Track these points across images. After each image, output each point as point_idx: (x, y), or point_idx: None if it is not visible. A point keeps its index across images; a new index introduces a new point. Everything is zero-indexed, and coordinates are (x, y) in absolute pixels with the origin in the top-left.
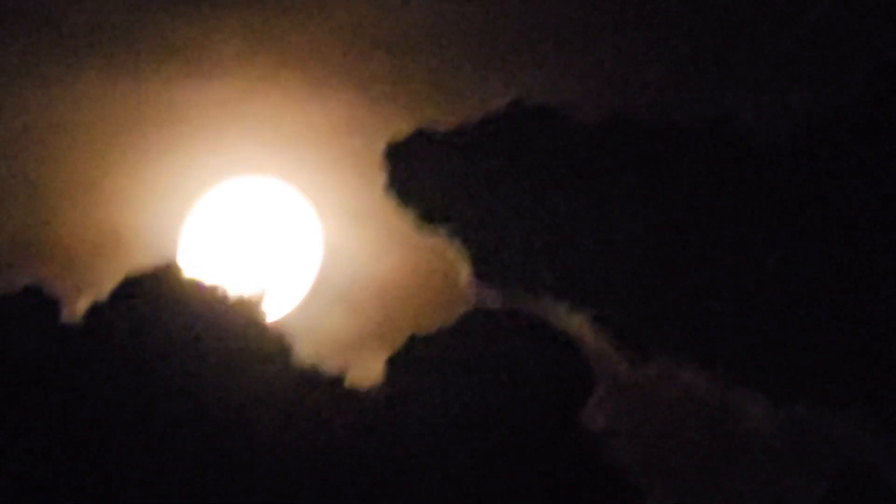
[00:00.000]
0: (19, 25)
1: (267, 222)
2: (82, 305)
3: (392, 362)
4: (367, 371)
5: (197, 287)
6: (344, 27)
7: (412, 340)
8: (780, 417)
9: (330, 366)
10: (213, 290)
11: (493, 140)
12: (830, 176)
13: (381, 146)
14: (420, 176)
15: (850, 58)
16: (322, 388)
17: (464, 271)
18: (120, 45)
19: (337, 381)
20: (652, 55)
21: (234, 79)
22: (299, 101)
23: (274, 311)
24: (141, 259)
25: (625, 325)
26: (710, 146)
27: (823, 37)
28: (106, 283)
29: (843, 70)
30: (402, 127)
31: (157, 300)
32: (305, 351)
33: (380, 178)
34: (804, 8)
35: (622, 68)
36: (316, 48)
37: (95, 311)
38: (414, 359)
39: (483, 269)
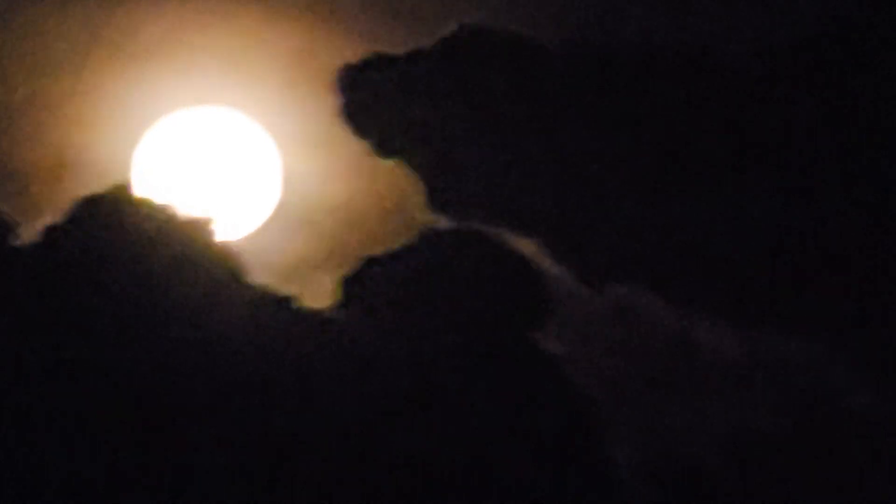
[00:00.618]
0: None
1: (223, 149)
2: (34, 228)
3: (345, 283)
4: (322, 293)
5: (148, 209)
6: None
7: (365, 261)
8: (742, 344)
9: (284, 288)
10: (163, 211)
11: (448, 66)
12: (796, 104)
13: (331, 71)
14: (373, 103)
15: None
16: (273, 308)
17: (417, 197)
18: None
19: (288, 302)
20: None
21: (186, 5)
22: (252, 28)
23: (228, 234)
24: (94, 183)
25: (583, 252)
26: (671, 71)
27: None
28: (58, 207)
29: None
30: (350, 50)
31: (109, 222)
32: (260, 273)
33: (332, 103)
34: None
35: None
36: None
37: (49, 233)
38: (367, 279)
39: (437, 195)
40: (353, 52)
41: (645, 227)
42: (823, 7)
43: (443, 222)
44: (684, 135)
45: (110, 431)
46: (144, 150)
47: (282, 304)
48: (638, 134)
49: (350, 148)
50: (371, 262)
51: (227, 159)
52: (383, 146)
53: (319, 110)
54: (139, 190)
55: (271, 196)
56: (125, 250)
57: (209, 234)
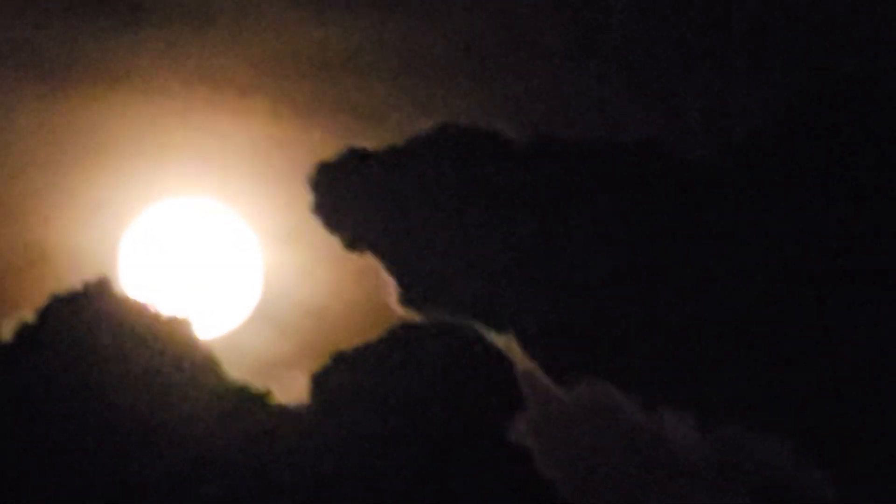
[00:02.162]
0: None
1: (206, 242)
2: (8, 326)
3: (317, 379)
4: (296, 389)
5: (127, 305)
6: (264, 47)
7: (337, 357)
8: (706, 439)
9: (258, 384)
10: (143, 308)
11: (420, 162)
12: (761, 191)
13: (306, 165)
14: (347, 199)
15: (789, 62)
16: (249, 405)
17: (391, 292)
18: (43, 65)
19: (263, 399)
20: (581, 71)
21: (157, 98)
22: (221, 120)
23: (208, 331)
24: (75, 278)
25: (552, 347)
26: (635, 163)
27: (764, 40)
28: (36, 303)
29: (785, 74)
30: (326, 145)
31: (86, 318)
32: (237, 369)
33: (307, 197)
34: (741, 14)
35: (549, 88)
36: (236, 67)
37: (21, 331)
38: (339, 374)
39: (410, 290)
40: (328, 148)
41: (616, 322)
42: (785, 85)
43: (415, 317)
44: (653, 228)
45: None
46: (128, 243)
47: (257, 401)
48: (609, 229)
49: (324, 242)
50: (341, 358)
51: (210, 253)
52: (356, 241)
53: (292, 203)
54: (124, 283)
55: (251, 294)
56: (102, 348)
57: (189, 331)
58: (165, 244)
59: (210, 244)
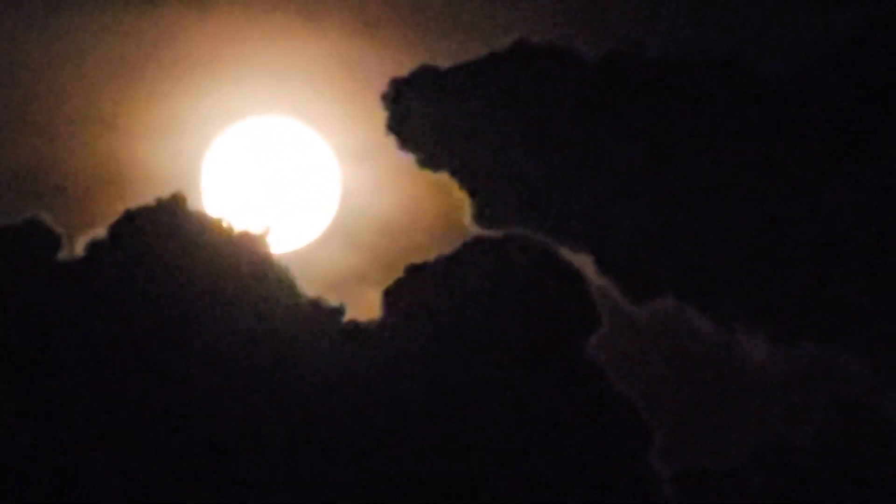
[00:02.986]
0: None
1: (285, 160)
2: (85, 241)
3: (389, 294)
4: (369, 305)
5: (201, 221)
6: None
7: (410, 271)
8: (780, 355)
9: (331, 299)
10: (217, 224)
11: (496, 78)
12: (833, 114)
13: (382, 82)
14: (422, 116)
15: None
16: (322, 319)
17: (466, 209)
18: None
19: (336, 314)
20: None
21: (236, 18)
22: (299, 38)
23: (283, 245)
24: (156, 194)
25: (627, 264)
26: (715, 82)
27: None
28: (113, 219)
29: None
30: (400, 62)
31: (158, 234)
32: (310, 285)
33: (381, 114)
34: None
35: (624, 4)
36: None
37: (94, 246)
38: (411, 289)
39: (485, 207)
40: (401, 64)
41: (690, 240)
42: (854, 18)
43: (489, 234)
44: (727, 147)
45: (154, 443)
46: (208, 162)
47: (329, 316)
48: (685, 147)
49: (399, 159)
50: (414, 271)
51: (288, 170)
52: (431, 158)
53: (367, 120)
54: (204, 200)
55: (327, 211)
56: (174, 263)
57: (262, 246)
58: (244, 162)
59: (288, 162)
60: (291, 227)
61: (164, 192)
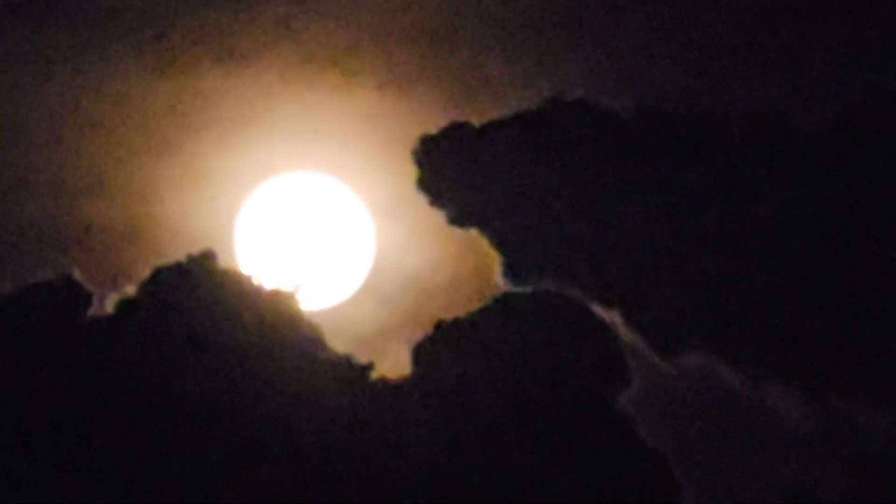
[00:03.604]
0: (57, 18)
1: (322, 217)
2: (116, 296)
3: (419, 349)
4: (399, 361)
5: (231, 279)
6: (370, 21)
7: (438, 327)
8: (811, 410)
9: (361, 356)
10: (247, 281)
11: (527, 135)
12: (862, 169)
13: (412, 138)
14: (452, 173)
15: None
16: (351, 377)
17: (495, 264)
18: (160, 41)
19: (365, 370)
20: (687, 46)
21: (263, 73)
22: (329, 95)
23: (317, 302)
24: (184, 252)
25: (656, 320)
26: (747, 137)
27: (857, 31)
28: (144, 275)
29: (873, 66)
30: (431, 119)
31: (188, 292)
32: (340, 342)
33: (411, 170)
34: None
35: (657, 60)
36: (343, 40)
37: (124, 303)
38: (440, 345)
39: (515, 263)
40: (433, 121)
41: (721, 296)
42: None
43: (519, 290)
44: (758, 202)
45: (183, 500)
46: (243, 218)
47: (358, 372)
48: (716, 204)
49: (429, 215)
50: (443, 327)
51: (323, 227)
52: (460, 215)
53: (396, 176)
54: (238, 257)
55: (361, 269)
56: (203, 320)
57: (293, 304)
58: (278, 218)
59: (322, 217)
60: (325, 284)
61: (197, 249)
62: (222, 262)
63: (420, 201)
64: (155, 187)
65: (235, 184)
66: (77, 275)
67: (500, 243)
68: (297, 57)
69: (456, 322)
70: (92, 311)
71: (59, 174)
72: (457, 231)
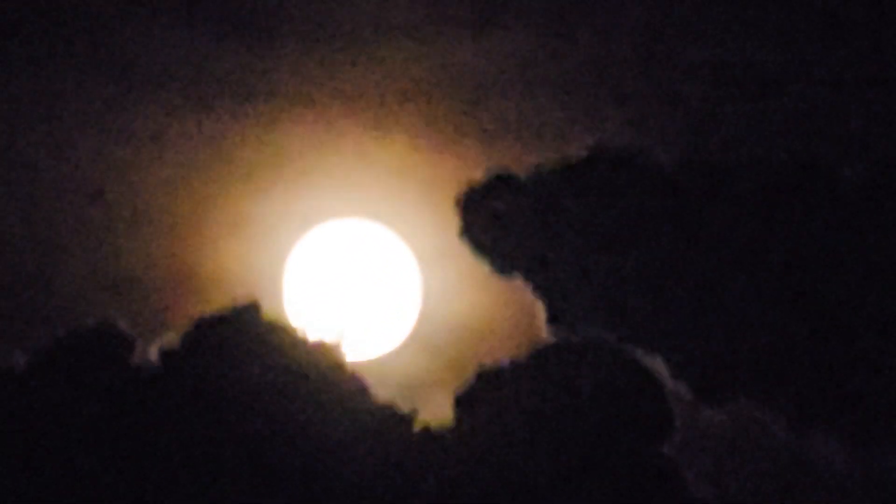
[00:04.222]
0: (101, 68)
1: (368, 266)
2: (158, 345)
3: (460, 399)
4: (443, 411)
5: (275, 329)
6: (413, 66)
7: (480, 374)
8: (856, 460)
9: (404, 405)
10: (291, 331)
11: (569, 185)
12: None
13: (452, 188)
14: (494, 223)
15: None
16: (394, 426)
17: (539, 313)
18: (202, 87)
19: (408, 420)
20: (731, 95)
21: (305, 120)
22: (371, 142)
23: (363, 353)
24: (229, 301)
25: (703, 368)
26: (793, 187)
27: None
28: (188, 324)
29: None
30: (473, 168)
31: (231, 342)
32: (383, 391)
33: (452, 219)
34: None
35: (700, 110)
36: (385, 87)
37: (166, 352)
38: (482, 392)
39: (558, 311)
40: (476, 170)
41: (764, 343)
42: None
43: (562, 339)
44: (804, 253)
45: None
46: (291, 265)
47: (401, 421)
48: (761, 251)
49: (472, 264)
50: (486, 376)
51: (371, 275)
52: (504, 265)
53: (438, 224)
54: (287, 304)
55: (408, 319)
56: (246, 371)
57: (338, 355)
58: (326, 266)
59: (371, 266)
60: (372, 334)
61: (243, 298)
62: (269, 310)
63: (462, 250)
64: (200, 236)
65: (282, 231)
66: (121, 322)
67: (543, 292)
68: (339, 104)
69: (498, 370)
70: (135, 358)
71: (105, 222)
72: (501, 282)
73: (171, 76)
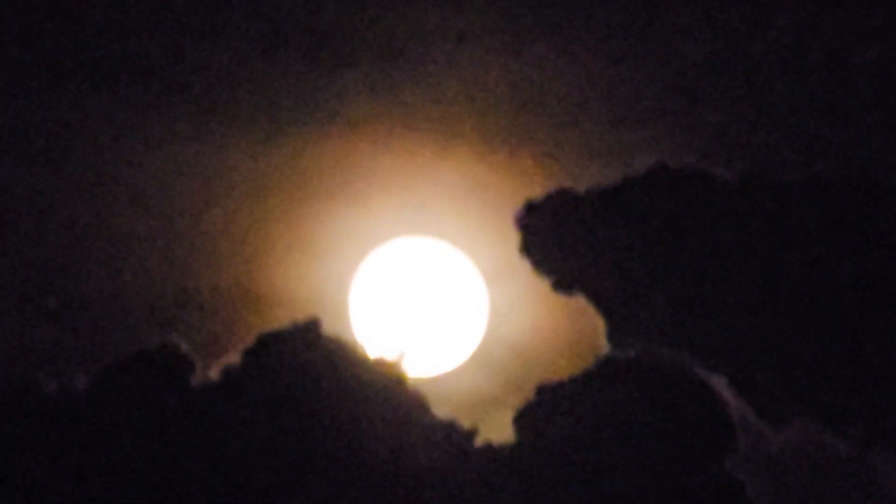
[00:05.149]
0: (177, 95)
1: (429, 283)
2: (220, 364)
3: (521, 416)
4: (504, 428)
5: (336, 345)
6: (471, 83)
7: (541, 391)
8: None
9: (466, 422)
10: (352, 348)
11: (629, 203)
12: None
13: (512, 206)
14: (555, 240)
15: None
16: (456, 443)
17: (601, 332)
18: (262, 110)
19: (470, 437)
20: (786, 109)
21: (366, 139)
22: (428, 162)
23: (426, 370)
24: (297, 319)
25: (763, 387)
26: (849, 203)
27: None
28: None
29: None
30: (534, 186)
31: (292, 360)
32: (444, 408)
33: (513, 237)
34: None
35: (762, 126)
36: (443, 105)
37: (228, 371)
38: (543, 410)
39: (619, 329)
40: (536, 188)
41: (828, 363)
42: None
43: (623, 355)
44: (862, 268)
45: None
46: (358, 284)
47: (463, 438)
48: (817, 269)
49: (533, 281)
50: (545, 393)
51: (439, 294)
52: (565, 281)
53: (499, 242)
54: (353, 323)
55: (472, 337)
56: (307, 389)
57: (398, 373)
58: (393, 285)
59: (436, 284)
60: (437, 352)
61: (306, 316)
62: (336, 329)
63: (523, 267)
64: (267, 257)
65: (348, 251)
66: (183, 342)
67: (605, 308)
68: (399, 123)
69: (559, 386)
70: (195, 379)
71: (171, 242)
72: (562, 297)
73: (236, 101)
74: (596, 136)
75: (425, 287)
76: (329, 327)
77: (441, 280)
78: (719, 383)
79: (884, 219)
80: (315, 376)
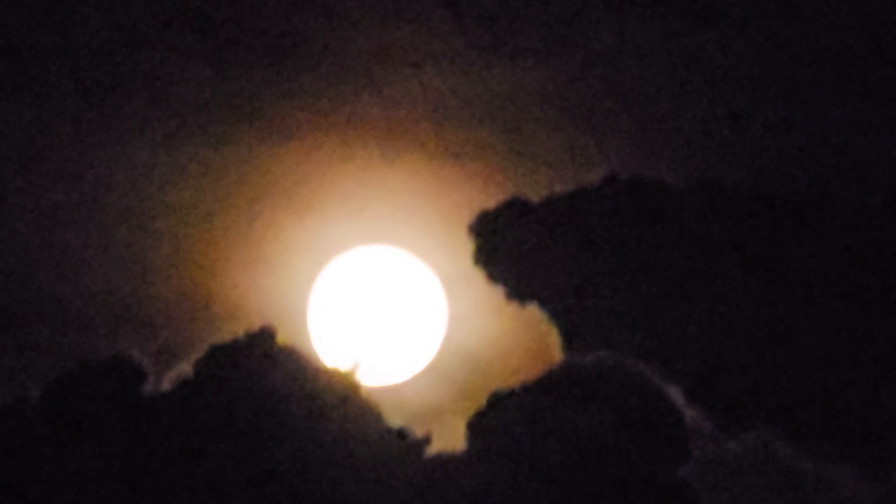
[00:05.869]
0: (124, 95)
1: (393, 292)
2: (172, 375)
3: (473, 424)
4: (457, 437)
5: (289, 354)
6: (429, 93)
7: (492, 400)
8: (875, 488)
9: (417, 431)
10: (305, 357)
11: (583, 213)
12: None
13: (465, 214)
14: (509, 249)
15: None
16: (406, 452)
17: (554, 340)
18: (220, 119)
19: (421, 446)
20: (740, 117)
21: (321, 149)
22: (383, 172)
23: (380, 379)
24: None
25: (718, 395)
26: (805, 213)
27: None
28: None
29: None
30: (488, 195)
31: (245, 368)
32: (396, 417)
33: (466, 246)
34: None
35: (713, 136)
36: (401, 114)
37: (180, 381)
38: (496, 419)
39: (572, 339)
40: (490, 197)
41: (784, 372)
42: None
43: (577, 364)
44: (821, 278)
45: None
46: (318, 293)
47: (414, 447)
48: (777, 278)
49: (485, 290)
50: (497, 401)
51: (398, 301)
52: (517, 291)
53: (452, 251)
54: (313, 333)
55: (432, 345)
56: (259, 397)
57: (352, 381)
58: (352, 294)
59: (396, 292)
60: (395, 361)
61: (265, 326)
62: (295, 340)
63: (476, 277)
64: (224, 269)
65: (306, 260)
66: (135, 354)
67: (558, 319)
68: (353, 133)
69: (511, 394)
70: (147, 389)
71: (125, 253)
72: (515, 307)
73: (185, 110)
74: (549, 146)
75: (385, 296)
76: (287, 338)
77: (400, 288)
78: (674, 392)
79: (847, 225)
80: (267, 386)
